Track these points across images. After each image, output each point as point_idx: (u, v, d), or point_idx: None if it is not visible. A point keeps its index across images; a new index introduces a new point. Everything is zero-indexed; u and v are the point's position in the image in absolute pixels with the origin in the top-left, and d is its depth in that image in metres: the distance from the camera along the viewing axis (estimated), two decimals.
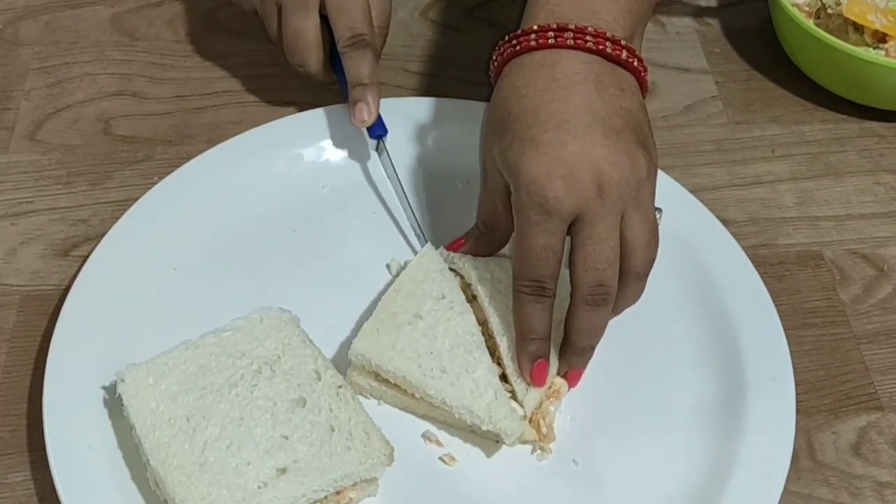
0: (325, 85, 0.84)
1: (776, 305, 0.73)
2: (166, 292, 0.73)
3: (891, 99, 0.89)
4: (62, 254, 0.77)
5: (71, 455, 0.63)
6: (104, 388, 0.66)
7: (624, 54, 0.66)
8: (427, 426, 0.68)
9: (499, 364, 0.67)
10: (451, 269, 0.72)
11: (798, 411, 0.67)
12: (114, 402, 0.65)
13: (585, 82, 0.65)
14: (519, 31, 0.67)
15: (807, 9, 0.91)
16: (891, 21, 0.88)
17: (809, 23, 0.88)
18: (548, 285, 0.64)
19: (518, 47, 0.67)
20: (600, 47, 0.65)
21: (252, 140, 0.81)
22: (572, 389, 0.68)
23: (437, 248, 0.73)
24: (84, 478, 0.62)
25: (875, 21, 0.87)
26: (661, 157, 0.68)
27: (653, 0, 0.74)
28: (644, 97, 0.68)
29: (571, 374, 0.68)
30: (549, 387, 0.67)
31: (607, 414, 0.69)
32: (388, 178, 0.79)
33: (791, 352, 0.70)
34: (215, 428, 0.62)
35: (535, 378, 0.66)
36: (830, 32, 0.87)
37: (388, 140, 0.80)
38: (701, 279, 0.74)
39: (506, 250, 0.73)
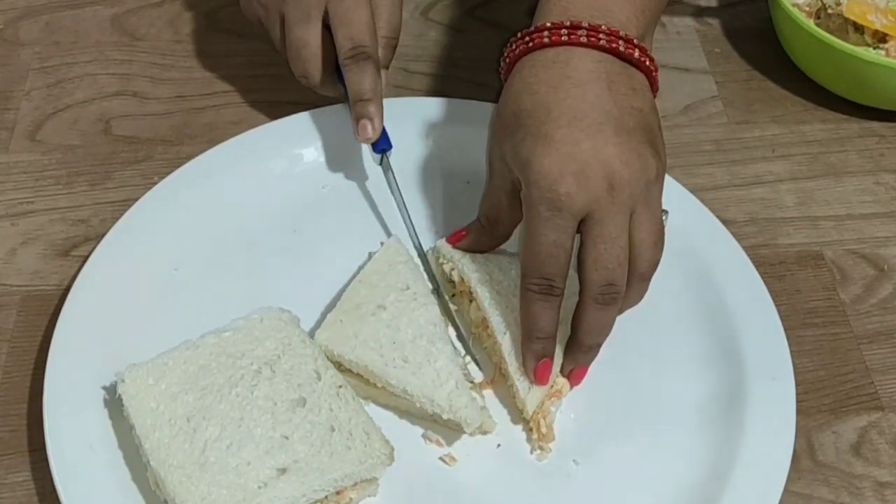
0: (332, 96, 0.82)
1: (776, 305, 0.72)
2: (166, 292, 0.73)
3: (891, 99, 0.89)
4: (62, 254, 0.77)
5: (71, 455, 0.62)
6: (104, 388, 0.66)
7: (636, 53, 0.66)
8: (427, 426, 0.67)
9: (475, 360, 0.69)
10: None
11: (798, 411, 0.67)
12: (114, 402, 0.65)
13: (598, 80, 0.65)
14: (532, 28, 0.67)
15: (807, 9, 0.91)
16: (891, 21, 0.88)
17: (810, 23, 0.88)
18: (556, 284, 0.64)
19: (531, 44, 0.67)
20: (613, 45, 0.65)
21: (252, 140, 0.81)
22: (573, 389, 0.68)
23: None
24: (84, 478, 0.62)
25: (875, 21, 0.87)
26: None
27: (664, 0, 0.74)
28: (654, 97, 0.68)
29: (574, 373, 0.68)
30: (552, 386, 0.67)
31: (607, 414, 0.69)
32: (392, 193, 0.77)
33: (791, 352, 0.70)
34: (215, 428, 0.62)
35: (539, 377, 0.66)
36: (831, 32, 0.87)
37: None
38: (701, 279, 0.74)
39: (509, 247, 0.73)
